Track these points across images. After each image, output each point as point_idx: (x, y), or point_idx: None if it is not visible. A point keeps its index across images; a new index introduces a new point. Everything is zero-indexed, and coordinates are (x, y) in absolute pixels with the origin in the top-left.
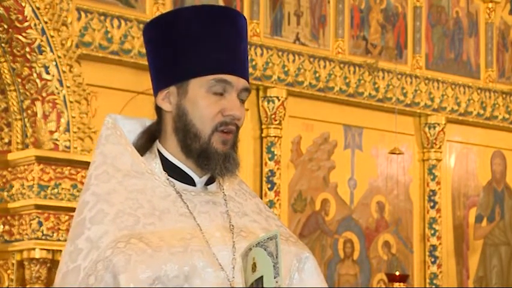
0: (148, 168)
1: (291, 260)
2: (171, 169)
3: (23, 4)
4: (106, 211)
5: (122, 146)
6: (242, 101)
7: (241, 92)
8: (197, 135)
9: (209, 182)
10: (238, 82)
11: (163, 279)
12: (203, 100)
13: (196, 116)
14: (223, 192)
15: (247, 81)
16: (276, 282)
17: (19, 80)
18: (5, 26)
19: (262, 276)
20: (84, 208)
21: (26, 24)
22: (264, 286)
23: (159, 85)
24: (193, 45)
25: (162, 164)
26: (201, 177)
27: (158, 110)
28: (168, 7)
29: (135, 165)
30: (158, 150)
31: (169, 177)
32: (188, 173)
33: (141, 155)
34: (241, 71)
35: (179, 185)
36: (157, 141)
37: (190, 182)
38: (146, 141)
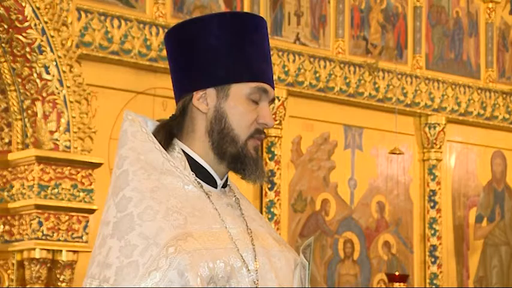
0: (175, 167)
1: (291, 264)
2: (196, 170)
3: (23, 4)
4: (155, 208)
5: (150, 143)
6: None
7: (271, 102)
8: (234, 139)
9: (223, 186)
10: (271, 92)
11: (215, 279)
12: (243, 106)
13: (235, 121)
14: (234, 196)
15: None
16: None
17: (19, 80)
18: (5, 26)
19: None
20: (128, 204)
21: (26, 24)
22: None
23: (194, 85)
24: (236, 50)
25: (189, 164)
26: (221, 179)
27: (184, 109)
28: (168, 7)
29: (166, 164)
30: (183, 150)
31: (196, 178)
32: (213, 175)
33: None
34: (272, 82)
35: (206, 186)
36: (175, 139)
37: (212, 183)
38: (164, 138)
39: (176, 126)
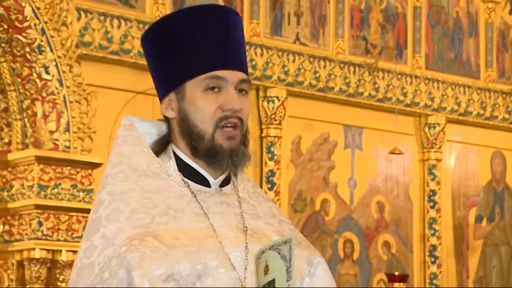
0: (164, 169)
1: (302, 264)
2: (186, 170)
3: (23, 4)
4: (121, 209)
5: (138, 147)
6: (245, 92)
7: (239, 84)
8: (200, 135)
9: (224, 183)
10: (233, 75)
11: (176, 276)
12: (201, 100)
13: (197, 117)
14: (237, 194)
15: (245, 71)
16: (289, 285)
17: (19, 80)
18: (5, 26)
19: (274, 279)
20: (99, 206)
21: (26, 24)
22: None
23: (161, 95)
24: (181, 49)
25: (178, 165)
26: (215, 178)
27: (166, 118)
28: (168, 7)
29: (151, 166)
30: (174, 152)
31: (184, 178)
32: (203, 174)
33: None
34: (235, 63)
35: (194, 185)
36: (171, 143)
37: (205, 183)
38: (161, 148)
39: (168, 136)
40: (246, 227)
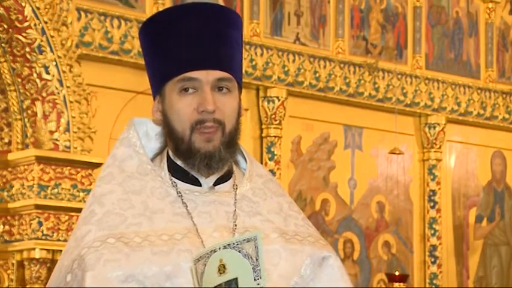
0: (153, 169)
1: (302, 259)
2: (177, 170)
3: (23, 4)
4: (96, 211)
5: (132, 148)
6: (226, 90)
7: (217, 82)
8: (179, 137)
9: (222, 181)
10: (207, 75)
11: (139, 277)
12: (177, 102)
13: (175, 120)
14: (235, 191)
15: (225, 68)
16: (258, 284)
17: (19, 80)
18: (5, 26)
19: (236, 278)
20: (83, 209)
21: (26, 24)
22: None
23: (154, 98)
24: (160, 51)
25: (169, 166)
26: (207, 177)
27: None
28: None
29: (141, 167)
30: (167, 153)
31: (172, 178)
32: (192, 173)
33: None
34: (209, 62)
35: (183, 185)
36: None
37: (197, 182)
38: (162, 149)
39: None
40: (235, 225)
